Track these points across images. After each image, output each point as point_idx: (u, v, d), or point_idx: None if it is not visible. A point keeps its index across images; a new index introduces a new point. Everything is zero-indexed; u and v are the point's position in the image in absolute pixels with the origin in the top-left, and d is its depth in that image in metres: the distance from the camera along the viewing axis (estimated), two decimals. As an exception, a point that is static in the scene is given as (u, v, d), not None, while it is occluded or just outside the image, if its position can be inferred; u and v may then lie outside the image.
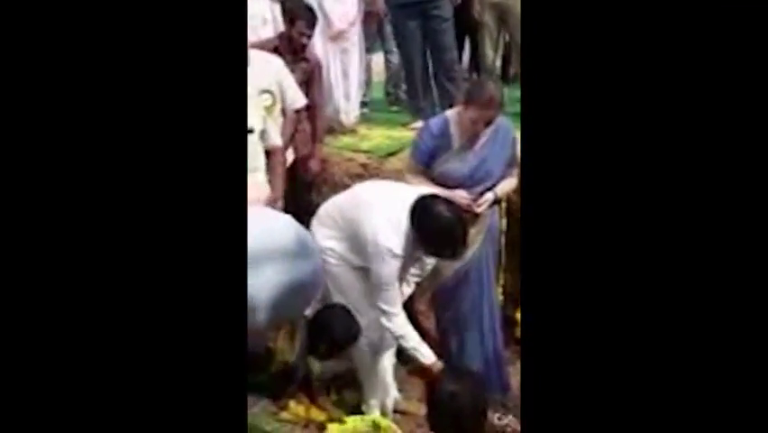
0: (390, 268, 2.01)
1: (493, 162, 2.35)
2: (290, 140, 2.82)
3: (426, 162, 2.34)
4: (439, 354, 2.56)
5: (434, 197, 2.02)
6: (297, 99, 2.79)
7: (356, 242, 2.09)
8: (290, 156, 2.89)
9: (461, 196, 2.30)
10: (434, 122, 2.40)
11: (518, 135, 2.44)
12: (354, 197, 2.21)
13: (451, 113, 2.39)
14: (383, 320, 2.08)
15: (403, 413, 2.45)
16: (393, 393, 2.43)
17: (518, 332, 2.81)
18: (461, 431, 1.38)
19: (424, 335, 2.80)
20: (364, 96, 4.34)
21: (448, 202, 2.03)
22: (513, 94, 4.05)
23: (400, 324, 2.09)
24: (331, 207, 2.24)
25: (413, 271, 2.25)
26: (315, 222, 2.22)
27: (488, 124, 2.25)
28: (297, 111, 2.83)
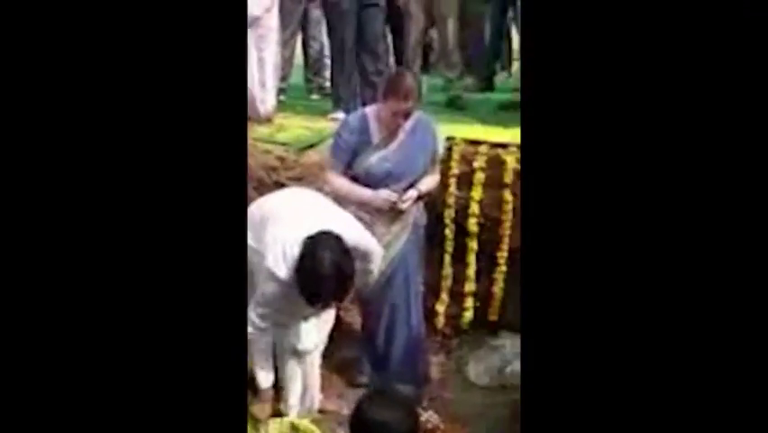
0: (271, 289, 1.94)
1: (414, 157, 2.33)
2: None
3: (347, 160, 2.30)
4: (365, 350, 2.59)
5: (326, 237, 1.88)
6: None
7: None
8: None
9: (386, 195, 2.27)
10: (353, 118, 2.35)
11: (438, 131, 2.45)
12: (273, 204, 2.15)
13: (369, 108, 2.36)
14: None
15: (323, 412, 2.41)
16: (316, 394, 2.38)
17: (439, 322, 2.85)
18: None
19: (348, 330, 2.80)
20: (283, 80, 4.23)
21: (339, 249, 1.88)
22: (432, 82, 4.10)
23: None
24: (255, 207, 2.19)
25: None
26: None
27: (406, 116, 2.22)
28: None
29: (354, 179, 2.31)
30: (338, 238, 1.89)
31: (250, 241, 2.06)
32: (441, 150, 2.49)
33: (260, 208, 2.16)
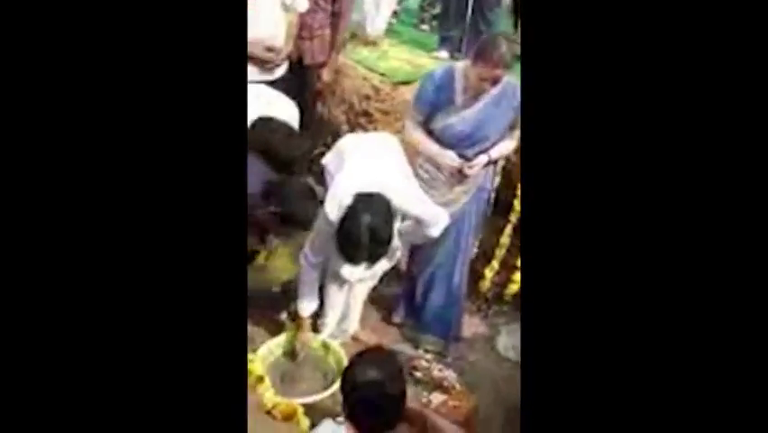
0: (324, 229, 2.01)
1: (493, 124, 2.29)
2: (293, 40, 2.76)
3: (428, 113, 2.28)
4: (404, 293, 2.70)
5: (373, 199, 1.90)
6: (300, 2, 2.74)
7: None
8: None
9: (450, 158, 2.28)
10: (439, 73, 2.29)
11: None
12: (355, 146, 2.20)
13: (458, 66, 2.29)
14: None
15: (355, 339, 2.57)
16: (353, 323, 2.53)
17: (483, 286, 2.91)
18: (380, 419, 1.41)
19: (396, 268, 2.91)
20: (399, 4, 4.15)
21: (382, 215, 1.90)
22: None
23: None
24: (344, 140, 2.26)
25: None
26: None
27: (494, 83, 2.16)
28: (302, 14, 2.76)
29: (430, 132, 2.31)
30: (385, 202, 1.91)
31: (330, 167, 2.15)
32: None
33: (346, 145, 2.22)
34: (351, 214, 1.89)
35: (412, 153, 2.34)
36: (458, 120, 2.26)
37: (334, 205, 1.96)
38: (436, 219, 2.15)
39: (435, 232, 2.19)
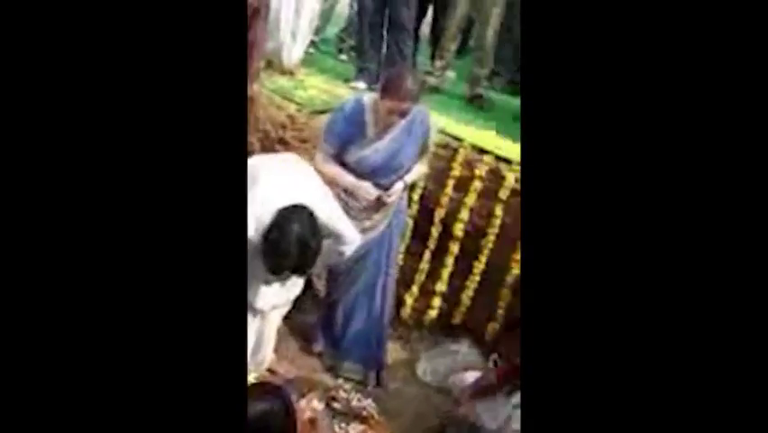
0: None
1: (407, 152, 2.33)
2: None
3: (339, 146, 2.29)
4: (324, 321, 2.66)
5: (297, 210, 1.87)
6: None
7: None
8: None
9: (366, 191, 2.30)
10: (349, 107, 2.31)
11: (431, 123, 2.42)
12: (263, 166, 2.14)
13: (367, 99, 2.32)
14: None
15: (271, 372, 2.49)
16: (268, 354, 2.46)
17: (404, 313, 2.91)
18: None
19: (314, 297, 2.87)
20: (316, 33, 4.18)
21: (308, 224, 1.87)
22: (461, 71, 4.04)
23: None
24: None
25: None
26: None
27: (402, 115, 2.20)
28: None
29: (343, 164, 2.32)
30: (310, 214, 1.88)
31: None
32: (432, 142, 2.47)
33: (254, 166, 2.18)
34: (276, 226, 1.84)
35: (327, 184, 2.33)
36: (371, 151, 2.28)
37: (251, 221, 1.89)
38: (353, 237, 2.15)
39: (348, 250, 2.18)
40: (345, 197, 2.33)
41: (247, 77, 2.51)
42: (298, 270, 1.93)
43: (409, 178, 2.40)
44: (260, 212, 1.90)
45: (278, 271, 1.91)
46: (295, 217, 1.84)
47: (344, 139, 2.27)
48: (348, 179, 2.31)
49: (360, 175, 2.30)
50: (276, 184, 2.01)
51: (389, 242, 2.52)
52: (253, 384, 1.57)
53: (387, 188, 2.33)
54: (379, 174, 2.31)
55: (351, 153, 2.29)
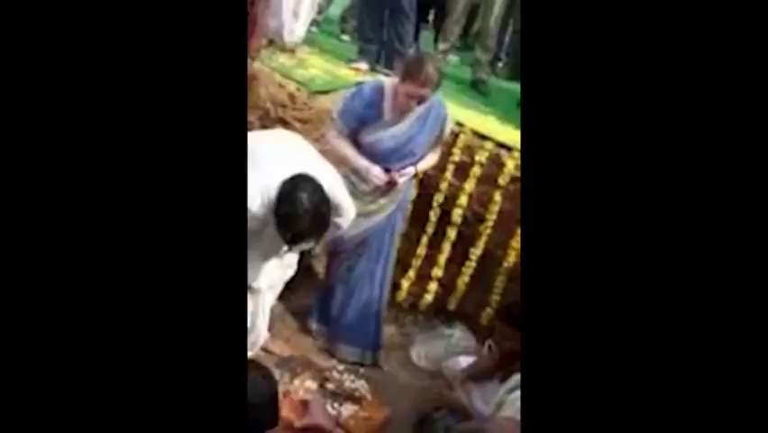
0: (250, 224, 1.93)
1: (420, 140, 2.34)
2: None
3: (354, 127, 2.29)
4: (321, 302, 2.66)
5: (303, 179, 1.88)
6: None
7: None
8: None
9: (376, 174, 2.31)
10: (368, 88, 2.32)
11: (447, 114, 2.43)
12: (257, 144, 2.12)
13: (387, 82, 2.33)
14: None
15: (266, 351, 2.50)
16: (262, 333, 2.46)
17: (399, 296, 2.92)
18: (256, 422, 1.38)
19: (313, 278, 2.87)
20: (319, 12, 4.13)
21: (316, 190, 1.89)
22: (464, 56, 4.02)
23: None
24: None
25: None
26: None
27: (420, 101, 2.21)
28: None
29: (356, 145, 2.32)
30: (315, 181, 1.89)
31: None
32: (446, 134, 2.50)
33: (249, 143, 2.15)
34: (285, 197, 1.84)
35: (337, 164, 2.32)
36: (387, 136, 2.29)
37: (256, 198, 1.87)
38: (349, 209, 2.14)
39: (344, 223, 2.17)
40: (354, 178, 2.34)
41: (247, 54, 2.47)
42: (316, 233, 1.93)
43: (421, 165, 2.41)
44: (260, 192, 1.89)
45: (297, 240, 1.91)
46: (301, 186, 1.85)
47: (361, 119, 2.28)
48: (361, 161, 2.31)
49: (371, 157, 2.30)
50: (272, 160, 1.99)
51: (392, 229, 2.53)
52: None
53: (398, 170, 2.33)
54: (391, 159, 2.32)
55: (365, 134, 2.29)
